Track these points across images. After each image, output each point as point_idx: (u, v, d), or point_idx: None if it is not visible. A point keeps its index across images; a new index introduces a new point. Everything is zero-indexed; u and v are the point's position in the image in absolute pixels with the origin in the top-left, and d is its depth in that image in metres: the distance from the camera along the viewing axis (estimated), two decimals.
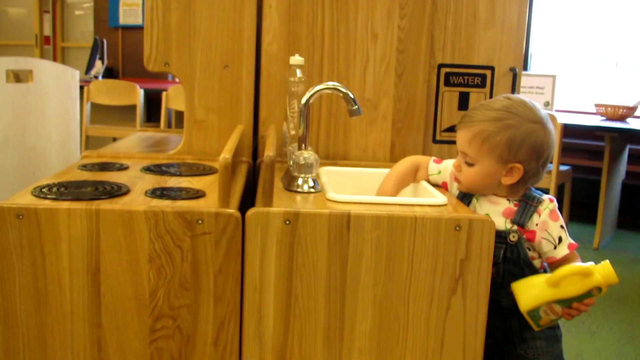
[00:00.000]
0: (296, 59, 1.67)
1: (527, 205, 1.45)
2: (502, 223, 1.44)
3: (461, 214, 1.34)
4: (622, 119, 4.38)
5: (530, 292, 1.37)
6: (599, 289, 1.35)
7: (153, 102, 5.47)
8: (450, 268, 1.32)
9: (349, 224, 1.30)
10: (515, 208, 1.46)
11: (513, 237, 1.43)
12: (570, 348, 2.71)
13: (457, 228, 1.31)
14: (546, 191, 3.49)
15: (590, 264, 1.36)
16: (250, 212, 1.29)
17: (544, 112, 1.46)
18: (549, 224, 1.43)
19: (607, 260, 1.36)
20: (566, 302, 1.36)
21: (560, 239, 1.43)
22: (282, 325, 1.32)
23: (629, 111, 4.38)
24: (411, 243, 1.31)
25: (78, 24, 7.17)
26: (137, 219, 1.27)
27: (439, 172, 1.60)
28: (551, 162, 3.91)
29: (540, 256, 1.47)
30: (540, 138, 1.43)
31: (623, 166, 4.57)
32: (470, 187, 1.50)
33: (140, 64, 1.83)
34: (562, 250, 1.43)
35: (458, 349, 1.35)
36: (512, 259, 1.43)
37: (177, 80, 1.93)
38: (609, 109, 4.41)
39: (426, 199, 1.44)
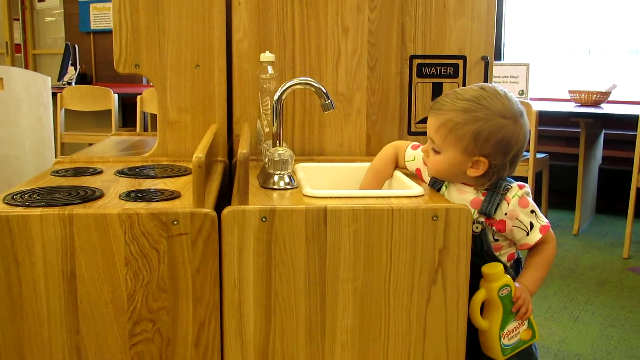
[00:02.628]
0: (267, 56, 1.66)
1: (494, 194, 1.43)
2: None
3: (438, 203, 1.34)
4: (596, 104, 4.41)
5: (489, 350, 1.41)
6: (503, 288, 1.37)
7: (128, 106, 5.43)
8: (429, 258, 1.32)
9: (326, 219, 1.29)
10: (483, 198, 1.44)
11: (476, 228, 1.41)
12: (554, 334, 2.73)
13: (435, 218, 1.31)
14: (524, 179, 3.52)
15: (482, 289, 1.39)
16: (225, 211, 1.27)
17: (518, 106, 1.42)
18: (518, 212, 1.41)
19: (485, 266, 1.39)
20: (509, 318, 1.39)
21: (532, 225, 1.42)
22: (263, 323, 1.31)
23: (603, 96, 4.41)
24: (389, 235, 1.31)
25: (49, 31, 7.11)
26: (111, 223, 1.26)
27: (414, 159, 1.59)
28: (528, 151, 4.00)
29: (512, 244, 1.46)
30: (509, 134, 1.39)
31: (599, 151, 4.61)
32: (436, 174, 1.49)
33: (113, 68, 1.81)
34: (535, 236, 1.42)
35: (440, 339, 1.35)
36: (475, 250, 1.39)
37: (151, 83, 1.91)
38: (583, 95, 4.44)
39: (402, 190, 1.44)
